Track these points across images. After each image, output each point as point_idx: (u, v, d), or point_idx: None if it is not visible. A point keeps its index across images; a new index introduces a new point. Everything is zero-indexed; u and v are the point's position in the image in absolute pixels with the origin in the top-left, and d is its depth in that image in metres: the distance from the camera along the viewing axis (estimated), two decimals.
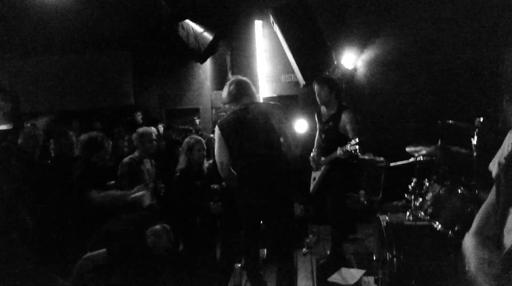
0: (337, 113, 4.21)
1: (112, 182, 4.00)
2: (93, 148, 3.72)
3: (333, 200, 4.33)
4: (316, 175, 4.48)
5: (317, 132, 4.58)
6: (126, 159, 4.10)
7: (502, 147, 1.50)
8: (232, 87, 3.37)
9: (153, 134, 4.21)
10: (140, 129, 4.22)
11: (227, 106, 3.43)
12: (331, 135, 4.23)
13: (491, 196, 1.55)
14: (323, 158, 4.37)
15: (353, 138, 3.90)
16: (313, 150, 4.52)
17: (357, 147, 3.80)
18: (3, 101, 8.08)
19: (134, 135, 4.22)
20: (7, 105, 8.11)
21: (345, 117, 4.13)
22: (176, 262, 4.30)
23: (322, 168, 4.38)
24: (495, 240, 1.40)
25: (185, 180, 3.96)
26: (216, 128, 3.30)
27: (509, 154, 1.39)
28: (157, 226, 3.14)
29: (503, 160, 1.41)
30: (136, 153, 4.16)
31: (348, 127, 4.09)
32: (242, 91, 3.36)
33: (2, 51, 8.95)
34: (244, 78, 3.48)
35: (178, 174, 3.99)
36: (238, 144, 3.23)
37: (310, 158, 4.49)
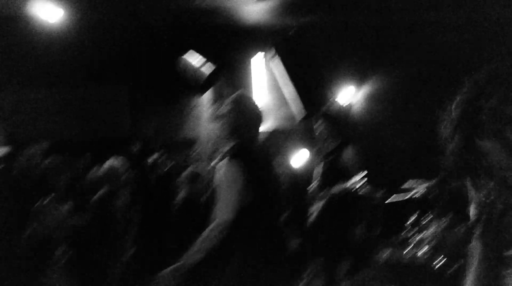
0: (340, 146, 4.33)
1: None
2: None
3: (332, 232, 4.33)
4: (315, 207, 4.48)
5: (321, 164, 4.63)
6: (95, 198, 3.90)
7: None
8: None
9: (121, 169, 3.98)
10: (105, 165, 4.00)
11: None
12: (333, 166, 4.31)
13: (475, 250, 1.41)
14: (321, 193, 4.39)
15: (352, 172, 4.01)
16: (313, 182, 4.55)
17: (359, 184, 3.93)
18: None
19: (101, 170, 4.01)
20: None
21: (347, 152, 4.26)
22: None
23: (322, 201, 4.39)
24: None
25: (184, 213, 3.90)
26: None
27: (482, 209, 1.20)
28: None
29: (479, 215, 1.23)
30: (106, 188, 3.94)
31: (348, 161, 4.20)
32: None
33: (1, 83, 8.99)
34: None
35: (177, 206, 3.94)
36: None
37: (309, 190, 4.54)
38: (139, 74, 8.75)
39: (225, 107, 2.62)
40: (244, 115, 2.57)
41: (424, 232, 3.38)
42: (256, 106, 2.73)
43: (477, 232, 1.25)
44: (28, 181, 3.70)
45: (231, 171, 2.32)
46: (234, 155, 2.41)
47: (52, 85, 9.36)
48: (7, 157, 4.81)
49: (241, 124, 2.55)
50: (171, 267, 2.30)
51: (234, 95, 2.70)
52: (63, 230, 2.79)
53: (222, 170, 2.35)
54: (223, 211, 2.28)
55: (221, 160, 2.46)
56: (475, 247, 1.33)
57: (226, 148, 2.58)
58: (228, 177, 2.31)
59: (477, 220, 1.23)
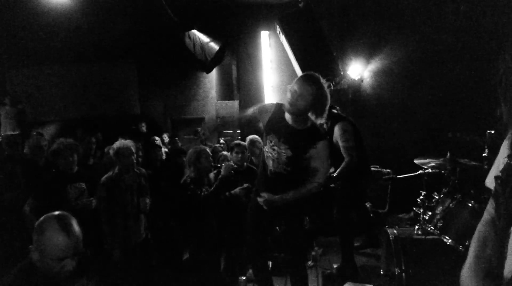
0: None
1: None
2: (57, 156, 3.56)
3: (338, 211, 4.35)
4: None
5: None
6: (103, 179, 3.80)
7: (497, 160, 1.42)
8: None
9: (132, 148, 3.85)
10: (115, 145, 3.86)
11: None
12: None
13: (487, 215, 1.47)
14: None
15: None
16: None
17: None
18: (10, 107, 8.14)
19: (111, 151, 3.90)
20: (14, 110, 8.17)
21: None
22: (180, 270, 4.26)
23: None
24: (493, 272, 1.33)
25: (194, 189, 3.90)
26: None
27: (505, 167, 1.31)
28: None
29: (500, 174, 1.33)
30: (116, 170, 3.85)
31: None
32: None
33: (11, 60, 9.03)
34: None
35: (188, 181, 3.93)
36: None
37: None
38: (147, 51, 8.71)
39: (303, 86, 2.79)
40: (322, 96, 2.85)
41: (435, 209, 3.34)
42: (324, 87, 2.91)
43: (494, 188, 1.33)
44: (38, 163, 3.71)
45: (326, 147, 2.89)
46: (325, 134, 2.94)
47: (61, 63, 9.41)
48: (18, 139, 4.85)
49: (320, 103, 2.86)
50: (278, 196, 2.87)
51: (308, 75, 2.91)
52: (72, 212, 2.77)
53: (320, 145, 2.85)
54: (321, 176, 2.89)
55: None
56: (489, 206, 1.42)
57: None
58: (325, 151, 2.89)
59: (497, 177, 1.31)
